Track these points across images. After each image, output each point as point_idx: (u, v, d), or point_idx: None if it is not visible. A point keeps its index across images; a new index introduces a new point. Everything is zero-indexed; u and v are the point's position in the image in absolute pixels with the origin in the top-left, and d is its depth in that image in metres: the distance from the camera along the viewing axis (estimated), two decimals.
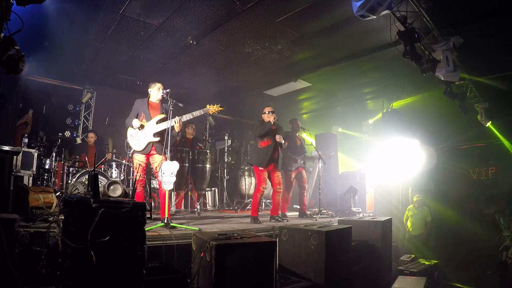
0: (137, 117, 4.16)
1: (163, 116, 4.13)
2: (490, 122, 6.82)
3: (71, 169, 6.00)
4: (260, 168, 4.81)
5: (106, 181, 5.53)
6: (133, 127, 4.09)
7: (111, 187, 4.58)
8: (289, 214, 5.85)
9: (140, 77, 7.30)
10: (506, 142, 6.98)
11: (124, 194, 4.82)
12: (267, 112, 4.98)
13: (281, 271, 3.23)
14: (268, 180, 4.97)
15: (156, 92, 4.21)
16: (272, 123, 4.86)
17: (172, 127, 4.00)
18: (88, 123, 7.85)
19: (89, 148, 6.74)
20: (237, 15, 4.79)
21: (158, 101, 4.27)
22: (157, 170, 3.94)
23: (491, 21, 4.72)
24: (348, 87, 7.88)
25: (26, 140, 5.63)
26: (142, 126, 4.05)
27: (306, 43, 5.71)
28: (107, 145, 7.05)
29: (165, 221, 3.57)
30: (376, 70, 6.72)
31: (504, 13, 4.52)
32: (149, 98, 4.27)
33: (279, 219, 4.82)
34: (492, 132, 7.11)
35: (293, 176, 5.90)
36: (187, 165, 5.86)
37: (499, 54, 5.64)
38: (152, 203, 5.82)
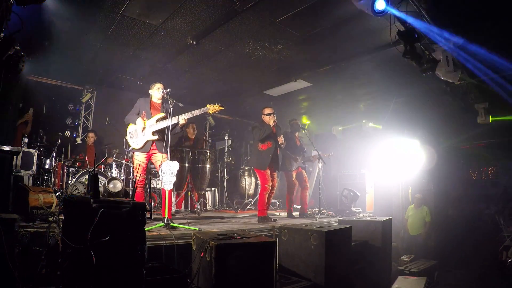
0: (138, 115, 4.17)
1: (163, 115, 4.14)
2: (491, 116, 6.77)
3: (71, 169, 6.01)
4: (261, 170, 4.82)
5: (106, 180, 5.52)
6: (135, 124, 4.09)
7: (111, 183, 4.63)
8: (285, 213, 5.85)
9: (140, 77, 7.30)
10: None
11: (125, 191, 4.85)
12: (267, 114, 4.96)
13: (281, 271, 3.23)
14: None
15: (156, 92, 4.24)
16: (272, 126, 4.86)
17: (176, 124, 4.01)
18: (88, 123, 7.85)
19: (89, 148, 6.75)
20: (237, 15, 4.79)
21: (160, 101, 4.30)
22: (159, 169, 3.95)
23: (491, 21, 4.71)
24: (348, 87, 7.88)
25: (26, 140, 5.62)
26: (144, 127, 4.06)
27: (306, 43, 5.70)
28: (107, 145, 7.05)
29: (165, 221, 3.57)
30: (376, 70, 6.72)
31: (504, 13, 4.52)
32: (151, 98, 4.30)
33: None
34: (492, 132, 7.09)
35: (294, 176, 5.90)
36: (187, 165, 5.87)
37: (499, 54, 5.63)
38: (152, 203, 5.82)
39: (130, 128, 4.17)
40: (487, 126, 6.86)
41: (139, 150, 4.10)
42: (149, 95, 4.34)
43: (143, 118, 4.12)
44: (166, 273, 2.53)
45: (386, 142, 7.37)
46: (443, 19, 4.52)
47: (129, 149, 4.25)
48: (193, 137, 6.62)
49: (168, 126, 3.84)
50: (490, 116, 6.73)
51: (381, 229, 4.36)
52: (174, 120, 3.94)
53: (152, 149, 4.13)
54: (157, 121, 4.10)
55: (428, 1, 4.19)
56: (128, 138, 4.18)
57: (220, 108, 4.18)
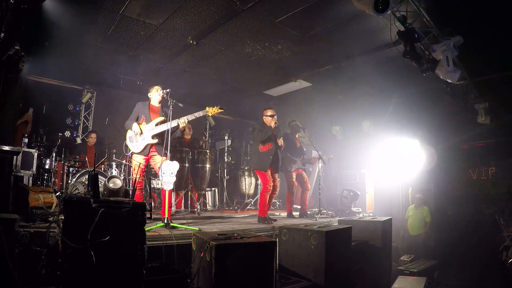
0: (137, 120, 4.16)
1: (162, 118, 4.13)
2: (490, 117, 6.79)
3: (71, 169, 6.01)
4: (262, 171, 4.82)
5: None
6: (132, 130, 4.09)
7: (111, 182, 4.66)
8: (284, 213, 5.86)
9: (140, 77, 7.30)
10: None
11: (125, 190, 4.89)
12: (269, 115, 4.95)
13: (281, 271, 3.22)
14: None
15: (156, 94, 4.22)
16: (273, 127, 4.85)
17: (176, 127, 4.01)
18: (88, 123, 7.86)
19: (89, 148, 6.75)
20: (237, 15, 4.79)
21: (159, 104, 4.28)
22: (159, 171, 3.94)
23: (491, 20, 4.71)
24: (348, 87, 7.88)
25: (26, 140, 5.62)
26: (141, 132, 4.06)
27: (306, 43, 5.70)
28: (107, 145, 7.05)
29: (165, 221, 3.57)
30: (375, 70, 6.72)
31: (504, 13, 4.52)
32: (150, 101, 4.29)
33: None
34: (492, 132, 7.09)
35: (294, 176, 5.89)
36: (187, 165, 5.86)
37: (499, 53, 5.63)
38: (152, 203, 5.82)
39: (130, 133, 4.16)
40: (487, 126, 6.86)
41: (139, 153, 4.10)
42: (148, 99, 4.33)
43: (141, 122, 4.12)
44: (166, 273, 2.53)
45: (386, 142, 7.37)
46: (443, 19, 4.52)
47: (129, 153, 4.26)
48: (189, 137, 6.61)
49: (168, 130, 3.84)
50: (490, 118, 6.74)
51: (381, 229, 4.36)
52: (173, 123, 3.93)
53: (151, 151, 4.12)
54: (156, 124, 4.10)
55: (428, 1, 4.19)
56: (127, 142, 4.17)
57: (220, 110, 4.18)
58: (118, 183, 4.84)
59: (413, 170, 7.19)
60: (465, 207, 7.36)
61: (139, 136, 4.07)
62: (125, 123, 4.22)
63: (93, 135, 6.83)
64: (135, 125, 4.07)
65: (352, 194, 6.65)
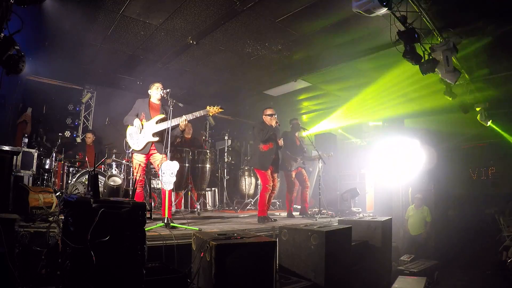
0: (137, 117, 4.17)
1: (163, 116, 4.13)
2: (491, 121, 6.82)
3: (71, 169, 6.01)
4: (262, 171, 4.83)
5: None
6: (133, 126, 4.09)
7: (111, 180, 4.71)
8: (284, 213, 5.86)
9: (140, 77, 7.30)
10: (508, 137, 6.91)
11: (125, 190, 4.91)
12: (268, 115, 4.96)
13: (281, 271, 3.22)
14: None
15: (155, 91, 4.21)
16: (274, 127, 4.85)
17: (176, 126, 4.01)
18: (88, 123, 7.86)
19: (88, 148, 6.75)
20: (237, 15, 4.80)
21: (158, 102, 4.28)
22: (159, 169, 3.95)
23: (491, 21, 4.72)
24: (347, 87, 7.88)
25: (26, 140, 5.62)
26: (142, 128, 4.06)
27: (306, 43, 5.71)
28: (107, 145, 7.05)
29: (165, 221, 3.57)
30: (376, 70, 6.72)
31: (504, 13, 4.52)
32: (150, 98, 4.29)
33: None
34: (492, 132, 7.10)
35: (293, 175, 5.89)
36: (187, 165, 5.86)
37: (499, 54, 5.64)
38: (152, 203, 5.82)
39: (130, 130, 4.16)
40: (487, 126, 6.88)
41: (139, 151, 4.10)
42: (148, 96, 4.33)
43: (141, 119, 4.12)
44: (166, 273, 2.53)
45: (386, 142, 7.37)
46: (443, 19, 4.52)
47: (129, 151, 4.25)
48: (190, 136, 6.61)
49: (168, 128, 3.84)
50: (490, 121, 6.77)
51: (381, 229, 4.35)
52: (174, 122, 3.93)
53: (152, 149, 4.13)
54: (157, 122, 4.10)
55: (428, 1, 4.19)
56: (128, 139, 4.17)
57: (220, 110, 4.18)
58: (118, 180, 4.88)
59: (413, 170, 7.18)
60: (465, 207, 7.37)
61: (140, 133, 4.07)
62: (124, 118, 4.22)
63: (89, 135, 6.85)
64: (137, 121, 4.07)
65: (352, 193, 6.64)
